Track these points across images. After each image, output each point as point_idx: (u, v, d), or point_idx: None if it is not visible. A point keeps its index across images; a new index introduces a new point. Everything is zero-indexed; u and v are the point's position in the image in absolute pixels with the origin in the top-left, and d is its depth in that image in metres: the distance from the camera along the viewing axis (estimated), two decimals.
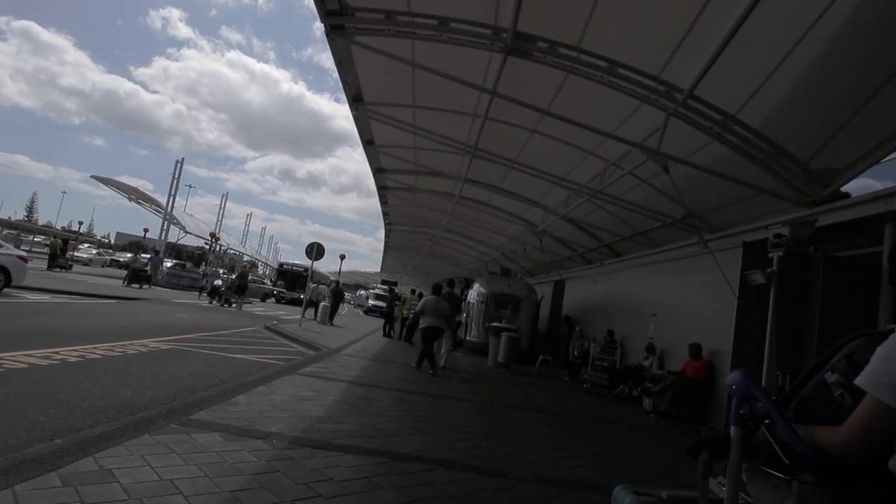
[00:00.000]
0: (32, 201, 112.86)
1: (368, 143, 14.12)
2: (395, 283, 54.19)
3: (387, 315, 17.94)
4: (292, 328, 14.08)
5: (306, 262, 19.09)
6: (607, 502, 3.90)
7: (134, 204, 31.85)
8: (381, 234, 31.96)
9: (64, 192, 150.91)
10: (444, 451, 4.40)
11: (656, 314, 10.96)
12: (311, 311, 18.77)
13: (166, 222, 30.00)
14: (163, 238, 31.09)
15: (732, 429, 1.47)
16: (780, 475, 1.45)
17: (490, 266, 28.04)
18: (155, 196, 31.04)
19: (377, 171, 16.79)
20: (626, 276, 13.67)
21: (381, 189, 19.18)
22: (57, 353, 6.27)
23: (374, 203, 22.05)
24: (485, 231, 21.48)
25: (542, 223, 16.07)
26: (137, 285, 21.96)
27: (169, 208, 30.13)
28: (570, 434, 6.23)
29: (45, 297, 12.64)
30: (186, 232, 30.59)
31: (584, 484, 4.21)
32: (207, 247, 28.49)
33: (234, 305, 20.13)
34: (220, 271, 37.98)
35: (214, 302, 20.36)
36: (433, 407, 6.24)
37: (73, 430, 3.67)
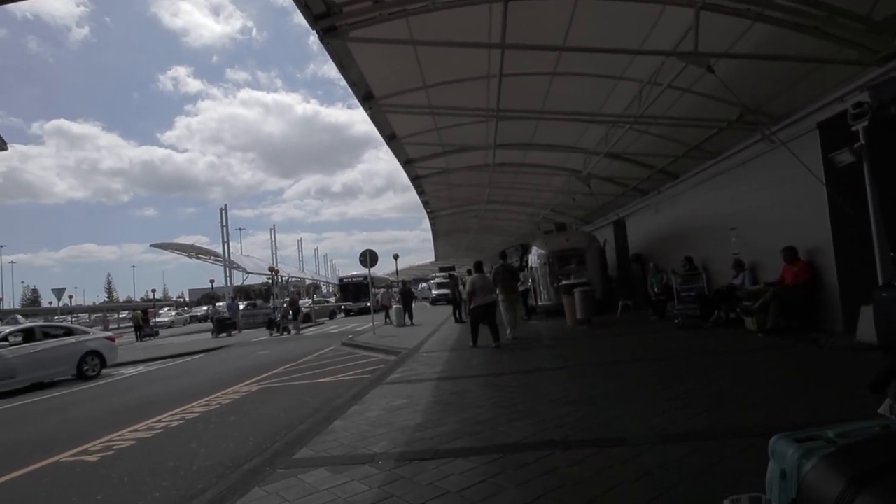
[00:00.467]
0: (109, 282, 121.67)
1: (391, 139, 13.87)
2: (452, 268, 54.24)
3: (452, 301, 17.81)
4: (368, 338, 14.22)
5: (363, 270, 19.21)
6: (748, 448, 3.52)
7: (195, 260, 33.54)
8: (427, 223, 31.86)
9: (133, 266, 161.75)
10: (553, 431, 4.12)
11: (735, 227, 10.13)
12: (382, 317, 19.01)
13: (227, 269, 31.28)
14: (228, 284, 32.49)
15: None
16: None
17: (543, 225, 27.31)
18: (212, 247, 32.45)
19: (406, 163, 16.54)
20: (689, 197, 12.78)
21: (415, 179, 18.94)
22: (159, 421, 6.49)
23: (412, 196, 21.66)
24: (528, 192, 20.82)
25: (586, 167, 15.28)
26: (226, 334, 23.06)
27: (226, 255, 31.37)
28: (680, 378, 5.78)
29: (140, 368, 13.39)
30: (248, 273, 31.82)
31: (716, 431, 3.82)
32: (270, 281, 29.44)
33: (292, 332, 20.88)
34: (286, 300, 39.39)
35: (275, 333, 21.22)
36: (526, 385, 5.97)
37: (187, 499, 3.69)
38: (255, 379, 9.27)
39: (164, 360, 14.81)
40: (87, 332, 12.39)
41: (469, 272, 19.56)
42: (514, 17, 7.80)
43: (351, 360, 10.81)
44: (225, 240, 31.34)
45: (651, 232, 15.54)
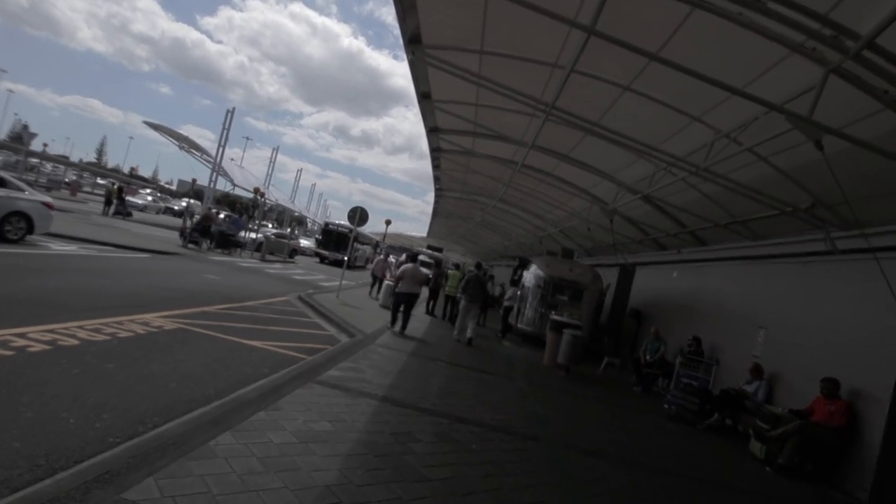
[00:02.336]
0: (102, 144, 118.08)
1: (424, 97, 12.29)
2: (441, 250, 52.90)
3: (431, 290, 16.34)
4: (328, 301, 12.77)
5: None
6: None
7: (185, 153, 31.52)
8: (431, 197, 30.33)
9: (131, 138, 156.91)
10: None
11: (765, 328, 8.82)
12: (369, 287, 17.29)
13: (215, 173, 29.42)
14: (211, 186, 30.64)
15: None
16: None
17: (545, 243, 26.01)
18: (212, 147, 30.30)
19: (431, 131, 14.99)
20: (718, 273, 11.45)
21: (435, 151, 17.39)
22: (26, 333, 5.02)
23: (426, 165, 20.01)
24: (543, 203, 19.46)
25: (615, 201, 13.92)
26: (226, 252, 20.56)
27: (218, 159, 29.47)
28: None
29: (71, 248, 11.79)
30: (234, 184, 30.03)
31: None
32: (250, 201, 27.67)
33: (194, 248, 18.95)
34: (269, 226, 37.62)
35: (190, 246, 19.08)
36: (490, 453, 4.61)
37: None
38: (180, 311, 7.79)
39: (104, 247, 13.21)
40: (21, 189, 10.72)
41: (457, 267, 18.21)
42: (616, 2, 6.33)
43: (299, 323, 9.36)
44: (221, 143, 29.39)
45: (661, 292, 14.24)
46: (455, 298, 14.21)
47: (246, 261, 19.83)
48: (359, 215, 14.31)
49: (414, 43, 9.44)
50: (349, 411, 4.72)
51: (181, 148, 31.09)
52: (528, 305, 14.51)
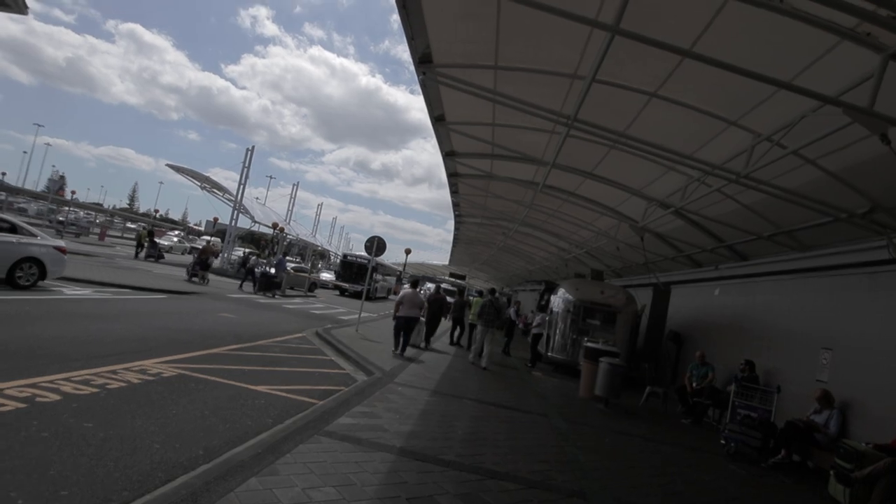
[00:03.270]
0: (134, 190, 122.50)
1: (438, 120, 11.87)
2: (464, 277, 52.21)
3: (455, 319, 15.61)
4: (347, 336, 12.17)
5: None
6: None
7: (206, 192, 31.93)
8: (451, 225, 29.82)
9: (161, 183, 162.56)
10: None
11: (831, 349, 7.83)
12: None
13: (236, 210, 29.56)
14: (232, 225, 30.76)
15: None
16: None
17: (571, 265, 25.09)
18: (237, 187, 30.56)
19: (448, 155, 14.54)
20: (768, 290, 10.49)
21: (452, 177, 16.93)
22: (3, 390, 4.52)
23: (445, 194, 19.49)
24: (567, 224, 18.71)
25: (645, 217, 13.13)
26: (269, 294, 20.29)
27: (238, 197, 29.65)
28: None
29: (85, 292, 11.54)
30: (255, 221, 30.10)
31: None
32: (268, 235, 27.54)
33: (197, 280, 19.26)
34: (289, 259, 37.60)
35: (195, 280, 19.50)
36: None
37: None
38: (185, 354, 7.28)
39: (121, 289, 12.96)
40: (34, 235, 10.54)
41: (480, 294, 17.48)
42: None
43: (313, 362, 8.74)
44: (242, 182, 29.58)
45: (702, 312, 13.22)
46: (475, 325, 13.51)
47: (194, 281, 19.62)
48: (376, 245, 13.81)
49: (425, 63, 9.04)
50: (360, 470, 4.03)
51: (203, 188, 31.47)
52: (557, 332, 13.65)
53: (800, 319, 9.02)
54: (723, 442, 7.64)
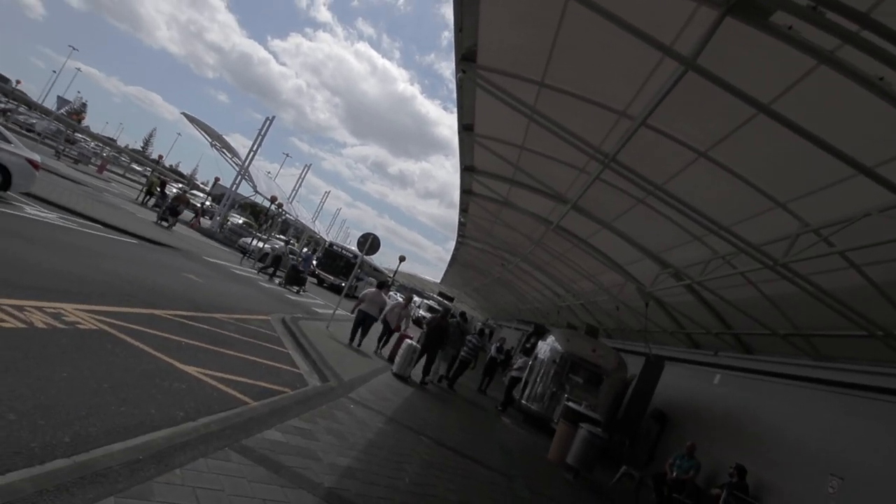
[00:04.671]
0: (150, 135, 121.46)
1: (466, 129, 11.08)
2: (452, 299, 51.14)
3: (424, 345, 13.73)
4: (315, 330, 11.17)
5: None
6: None
7: (215, 151, 31.09)
8: (451, 244, 28.91)
9: (179, 134, 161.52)
10: None
11: (840, 477, 6.88)
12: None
13: (240, 176, 28.68)
14: (233, 189, 29.82)
15: None
16: None
17: (562, 314, 24.18)
18: (257, 159, 29.58)
19: (467, 169, 13.72)
20: (778, 390, 9.58)
21: (465, 193, 16.10)
22: None
23: (452, 214, 18.71)
24: (570, 271, 17.88)
25: (654, 284, 12.29)
26: (296, 289, 19.32)
27: (246, 163, 28.80)
28: None
29: (50, 216, 10.55)
30: (256, 191, 29.23)
31: None
32: (270, 210, 26.59)
33: (165, 225, 19.19)
34: (278, 237, 36.59)
35: (164, 224, 19.35)
36: None
37: None
38: (119, 308, 6.30)
39: (92, 223, 11.97)
40: (7, 141, 9.63)
41: (462, 316, 16.38)
42: (728, 32, 5.02)
43: (266, 352, 7.73)
44: (254, 148, 28.76)
45: (695, 398, 12.28)
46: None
47: (163, 224, 19.38)
48: (370, 243, 12.91)
49: (467, 60, 8.26)
50: None
51: (213, 146, 30.60)
52: (538, 381, 12.66)
53: (809, 434, 8.10)
54: None
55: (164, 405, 4.15)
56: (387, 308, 12.40)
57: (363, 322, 11.81)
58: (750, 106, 5.50)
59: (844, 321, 7.83)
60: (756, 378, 10.39)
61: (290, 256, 22.27)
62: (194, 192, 48.63)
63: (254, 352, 7.27)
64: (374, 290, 12.25)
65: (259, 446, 3.95)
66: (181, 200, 21.68)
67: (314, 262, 24.68)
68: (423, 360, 11.30)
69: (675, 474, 9.19)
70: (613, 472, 9.76)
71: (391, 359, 11.57)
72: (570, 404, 9.54)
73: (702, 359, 12.98)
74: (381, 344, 12.61)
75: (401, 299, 14.82)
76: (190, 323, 7.19)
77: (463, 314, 17.12)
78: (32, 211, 10.26)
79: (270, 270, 20.08)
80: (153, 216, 20.48)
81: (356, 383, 7.83)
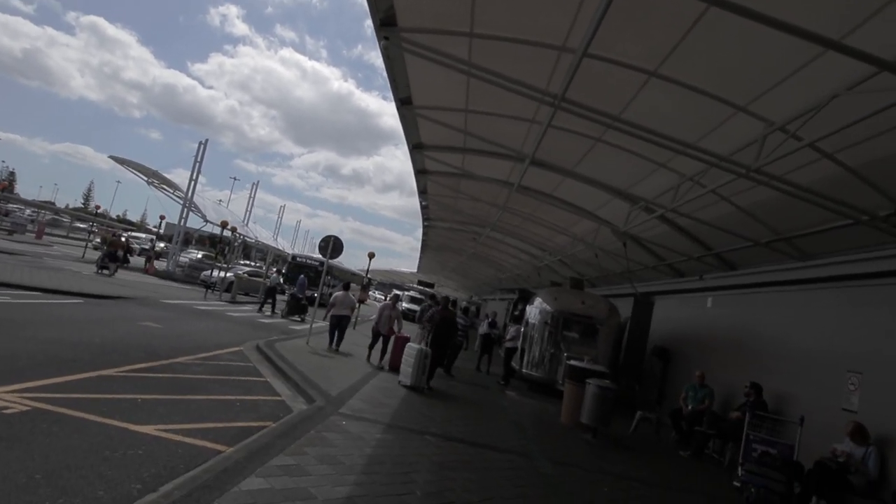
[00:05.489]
0: (90, 189, 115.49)
1: (405, 103, 10.38)
2: (432, 285, 50.66)
3: (432, 341, 10.74)
4: (294, 350, 10.49)
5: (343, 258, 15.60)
6: None
7: (154, 190, 29.38)
8: (420, 233, 28.22)
9: (118, 182, 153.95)
10: None
11: (859, 371, 6.68)
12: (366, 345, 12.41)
13: (185, 209, 27.20)
14: (181, 224, 28.37)
15: None
16: None
17: (543, 273, 23.95)
18: (206, 189, 28.20)
19: (416, 148, 13.06)
20: (770, 301, 9.41)
21: (420, 173, 15.43)
22: None
23: (415, 202, 18.08)
24: (542, 229, 17.50)
25: (627, 222, 11.95)
26: (299, 318, 18.51)
27: (189, 194, 27.31)
28: None
29: None
30: (206, 220, 27.83)
31: None
32: (225, 236, 25.33)
33: (107, 273, 19.46)
34: (241, 262, 35.22)
35: (105, 272, 19.52)
36: None
37: None
38: (60, 379, 5.52)
39: (28, 292, 10.89)
40: None
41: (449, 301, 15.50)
42: None
43: (239, 385, 7.04)
44: (193, 177, 27.25)
45: (692, 326, 12.11)
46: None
47: (104, 273, 19.28)
48: (331, 246, 12.19)
49: (387, 26, 7.55)
50: None
51: (150, 184, 28.94)
52: (534, 346, 12.30)
53: (815, 336, 7.90)
54: (737, 485, 6.37)
55: (116, 482, 3.48)
56: (375, 316, 11.63)
57: (338, 325, 12.00)
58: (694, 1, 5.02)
59: (827, 214, 7.63)
60: (748, 292, 10.23)
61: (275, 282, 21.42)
62: (138, 235, 46.54)
63: (225, 389, 6.58)
64: (341, 292, 12.33)
65: (237, 502, 3.34)
66: (117, 245, 21.53)
67: (195, 255, 24.09)
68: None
69: (690, 407, 8.96)
70: (629, 420, 9.47)
71: (394, 368, 10.21)
72: (573, 362, 9.18)
73: (689, 286, 12.83)
74: (381, 356, 11.23)
75: (385, 300, 14.47)
76: (147, 375, 6.44)
77: (454, 301, 15.95)
78: None
79: (270, 304, 19.71)
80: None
81: (346, 395, 7.23)
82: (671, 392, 11.33)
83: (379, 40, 7.75)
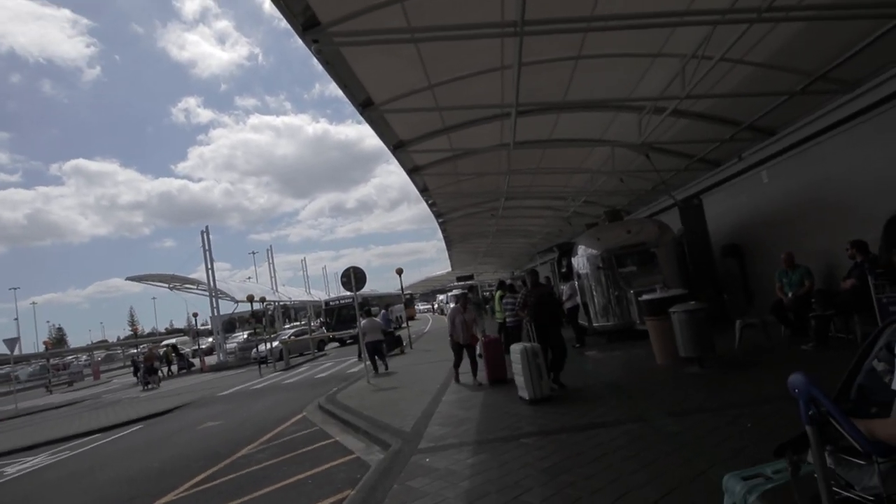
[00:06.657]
0: (132, 315, 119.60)
1: (366, 106, 9.55)
2: (471, 277, 49.77)
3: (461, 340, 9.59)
4: (356, 393, 9.86)
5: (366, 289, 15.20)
6: None
7: (178, 291, 29.54)
8: (440, 232, 27.36)
9: (154, 298, 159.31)
10: None
11: None
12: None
13: (213, 298, 27.18)
14: (216, 314, 28.39)
15: (807, 428, 1.53)
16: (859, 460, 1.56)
17: (574, 222, 22.79)
18: (233, 273, 28.47)
19: (397, 148, 12.23)
20: (833, 150, 8.27)
21: (414, 172, 14.58)
22: None
23: (423, 205, 17.26)
24: (557, 177, 16.43)
25: (643, 132, 10.82)
26: (397, 350, 17.85)
27: (211, 283, 27.31)
28: None
29: (36, 460, 9.22)
30: (237, 301, 27.76)
31: None
32: (258, 309, 25.20)
33: (152, 387, 19.91)
34: (287, 327, 35.16)
35: (150, 387, 20.00)
36: None
37: None
38: None
39: (85, 437, 10.63)
40: None
41: (502, 285, 14.17)
42: None
43: (308, 459, 6.32)
44: (209, 266, 27.22)
45: (754, 211, 10.92)
46: (506, 326, 11.10)
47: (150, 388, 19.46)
48: (353, 277, 11.51)
49: (311, 28, 6.77)
50: None
51: (173, 289, 29.15)
52: (595, 296, 11.32)
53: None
54: None
55: None
56: (450, 326, 9.58)
57: (376, 350, 12.67)
58: None
59: (864, 25, 6.52)
60: (801, 151, 9.05)
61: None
62: (185, 339, 47.42)
63: (293, 469, 5.91)
64: (366, 320, 12.87)
65: None
66: (150, 358, 22.09)
67: (239, 338, 24.36)
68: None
69: (790, 294, 7.86)
70: (730, 335, 8.38)
71: (497, 380, 8.63)
72: (645, 297, 8.20)
73: (731, 171, 11.68)
74: (474, 371, 9.22)
75: (452, 304, 14.25)
76: (210, 485, 5.84)
77: (501, 283, 14.59)
78: (12, 469, 8.90)
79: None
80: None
81: (421, 425, 6.47)
82: (759, 289, 10.18)
83: (309, 46, 6.97)
